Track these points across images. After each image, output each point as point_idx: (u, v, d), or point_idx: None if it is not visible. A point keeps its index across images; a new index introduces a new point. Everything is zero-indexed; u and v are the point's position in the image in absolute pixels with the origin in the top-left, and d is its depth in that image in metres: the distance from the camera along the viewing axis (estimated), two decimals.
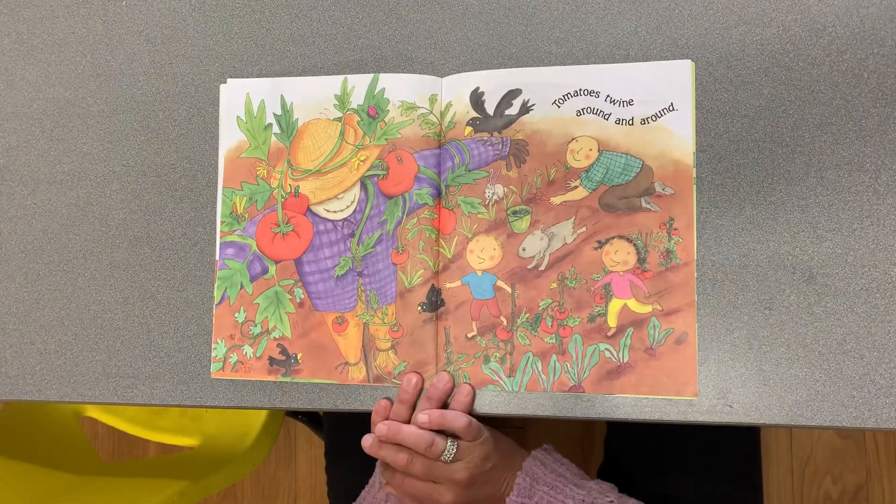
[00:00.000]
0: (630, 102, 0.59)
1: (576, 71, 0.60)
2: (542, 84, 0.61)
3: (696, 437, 0.73)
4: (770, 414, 0.56)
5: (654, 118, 0.59)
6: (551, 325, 0.60)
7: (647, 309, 0.58)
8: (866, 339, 0.55)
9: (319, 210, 0.64)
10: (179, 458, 1.08)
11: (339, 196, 0.63)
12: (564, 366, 0.59)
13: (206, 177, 0.66)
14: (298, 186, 0.64)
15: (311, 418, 1.26)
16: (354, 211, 0.63)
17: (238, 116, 0.65)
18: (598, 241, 0.59)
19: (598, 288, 0.59)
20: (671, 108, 0.59)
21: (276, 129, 0.65)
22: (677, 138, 0.59)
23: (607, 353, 0.59)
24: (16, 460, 0.90)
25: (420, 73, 0.63)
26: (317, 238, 0.64)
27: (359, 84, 0.64)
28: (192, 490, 0.89)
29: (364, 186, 0.63)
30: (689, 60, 0.58)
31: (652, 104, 0.59)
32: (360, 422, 0.62)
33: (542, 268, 0.60)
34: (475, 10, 0.63)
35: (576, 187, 0.60)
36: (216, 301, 0.65)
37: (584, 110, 0.60)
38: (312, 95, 0.64)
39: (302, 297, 0.64)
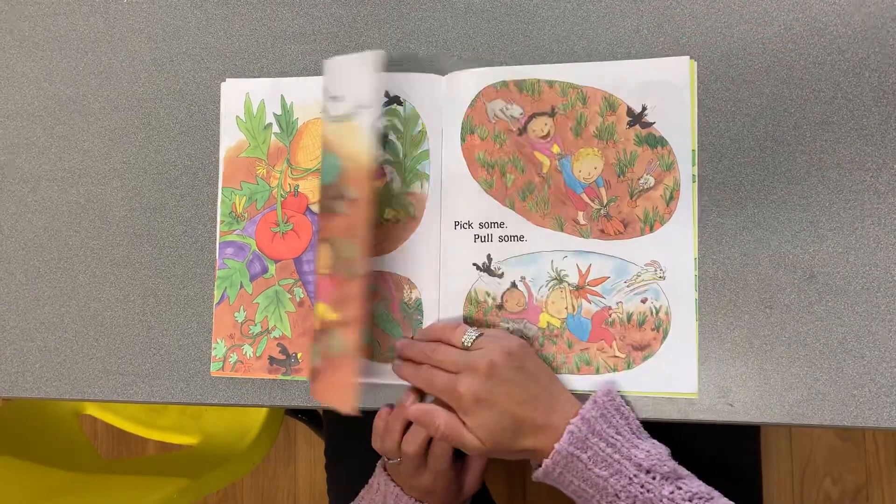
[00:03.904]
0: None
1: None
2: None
3: (696, 436, 0.72)
4: (770, 413, 0.56)
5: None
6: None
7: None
8: (867, 339, 0.55)
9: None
10: (179, 457, 1.08)
11: None
12: None
13: (207, 175, 0.66)
14: (298, 186, 0.64)
15: (311, 417, 1.26)
16: None
17: (237, 116, 0.65)
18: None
19: None
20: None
21: (275, 128, 0.65)
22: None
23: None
24: (15, 458, 0.90)
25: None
26: (316, 237, 0.64)
27: None
28: (192, 488, 0.89)
29: None
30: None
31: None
32: (361, 420, 0.62)
33: None
34: (477, 9, 0.63)
35: None
36: (216, 301, 0.65)
37: None
38: (312, 95, 0.64)
39: (302, 296, 0.63)
